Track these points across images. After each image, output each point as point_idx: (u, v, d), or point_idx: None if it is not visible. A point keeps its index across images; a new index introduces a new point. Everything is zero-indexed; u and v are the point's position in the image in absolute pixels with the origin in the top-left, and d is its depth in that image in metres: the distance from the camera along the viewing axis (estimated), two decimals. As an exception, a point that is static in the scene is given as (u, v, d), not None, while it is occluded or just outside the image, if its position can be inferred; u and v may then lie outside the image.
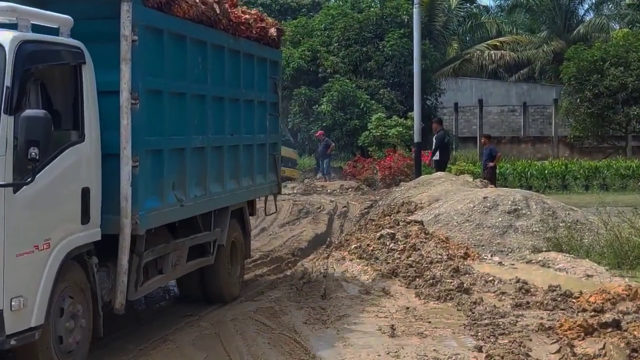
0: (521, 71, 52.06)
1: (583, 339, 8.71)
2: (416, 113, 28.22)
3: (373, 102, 35.36)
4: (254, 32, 11.69)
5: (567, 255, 14.27)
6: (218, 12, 10.11)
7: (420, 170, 25.64)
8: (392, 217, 17.86)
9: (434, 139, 25.98)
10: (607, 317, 9.09)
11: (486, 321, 9.93)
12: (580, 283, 12.42)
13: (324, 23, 39.42)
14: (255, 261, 14.68)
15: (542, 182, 29.65)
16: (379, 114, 34.27)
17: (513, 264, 14.05)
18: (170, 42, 9.07)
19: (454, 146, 42.57)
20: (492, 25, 51.79)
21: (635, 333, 8.42)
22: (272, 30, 12.43)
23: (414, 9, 28.26)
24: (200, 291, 11.35)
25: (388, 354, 8.68)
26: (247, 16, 11.50)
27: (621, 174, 29.83)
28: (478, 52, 44.81)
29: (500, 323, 9.77)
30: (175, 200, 9.21)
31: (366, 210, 22.83)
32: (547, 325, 9.29)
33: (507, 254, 14.88)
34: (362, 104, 34.78)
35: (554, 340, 8.79)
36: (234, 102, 11.27)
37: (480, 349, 8.69)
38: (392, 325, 9.73)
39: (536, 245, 15.08)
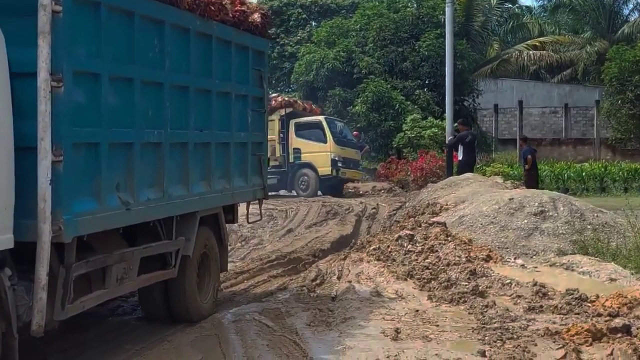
0: (564, 72, 51.27)
1: (591, 344, 8.40)
2: (448, 114, 27.97)
3: (408, 103, 35.08)
4: (230, 15, 10.25)
5: (593, 258, 13.91)
6: None
7: (451, 172, 25.31)
8: (415, 218, 17.65)
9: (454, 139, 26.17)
10: (617, 322, 8.76)
11: (495, 325, 9.65)
12: (603, 287, 12.08)
13: (359, 23, 39.23)
14: (272, 262, 14.52)
15: (579, 185, 29.21)
16: (414, 115, 34.01)
17: (536, 267, 13.74)
18: (111, 18, 7.61)
19: (492, 148, 42.11)
20: (534, 25, 51.13)
21: (645, 339, 8.08)
22: (255, 16, 10.96)
23: (447, 8, 27.95)
24: (164, 309, 9.88)
25: (387, 357, 8.43)
26: None
27: (661, 176, 29.25)
28: (517, 52, 44.17)
29: (510, 327, 9.49)
30: (119, 203, 7.82)
31: (394, 212, 22.54)
32: (553, 330, 8.99)
33: (532, 257, 14.53)
34: (397, 105, 34.51)
35: (560, 346, 8.49)
36: (204, 93, 9.81)
37: (483, 354, 8.42)
38: (397, 329, 9.50)
39: (562, 248, 14.70)
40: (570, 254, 14.38)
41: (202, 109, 9.75)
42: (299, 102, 30.41)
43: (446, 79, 27.74)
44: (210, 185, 9.97)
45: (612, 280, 12.40)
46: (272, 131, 28.38)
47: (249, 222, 12.58)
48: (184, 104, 9.28)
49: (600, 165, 31.77)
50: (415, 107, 35.18)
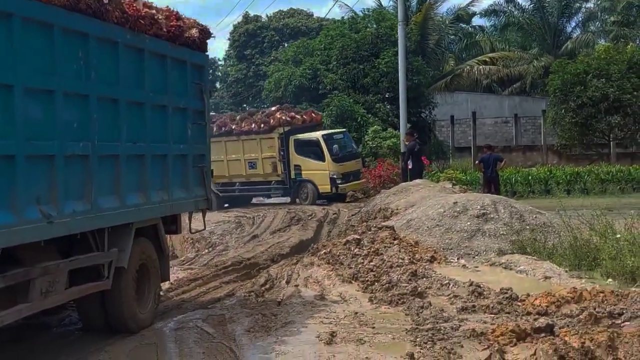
0: (514, 85, 50.97)
1: (515, 344, 7.76)
2: (402, 125, 27.61)
3: (370, 115, 34.49)
4: (165, 29, 9.56)
5: (530, 257, 13.40)
6: (105, 1, 8.15)
7: (406, 178, 24.68)
8: (367, 223, 17.02)
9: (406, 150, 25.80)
10: (541, 321, 8.12)
11: (428, 326, 9.02)
12: (537, 285, 11.57)
13: (323, 43, 38.66)
14: (227, 268, 13.82)
15: (526, 188, 28.64)
16: (375, 126, 33.41)
17: (477, 267, 13.21)
18: (26, 30, 6.94)
19: (449, 156, 41.60)
20: (486, 43, 50.83)
21: (567, 339, 7.45)
22: (194, 31, 10.23)
23: (399, 27, 27.42)
24: (102, 320, 9.14)
25: (318, 362, 7.77)
26: (153, 11, 9.38)
27: (601, 179, 28.80)
28: (468, 67, 43.82)
29: (442, 328, 8.86)
30: (40, 216, 7.10)
31: (353, 216, 21.86)
32: (479, 331, 8.33)
33: (474, 257, 13.97)
34: (360, 117, 33.90)
35: (485, 347, 7.84)
36: (137, 106, 9.04)
37: (412, 356, 7.76)
38: (333, 332, 8.85)
39: (502, 248, 14.15)
40: (510, 253, 13.84)
41: (135, 121, 8.98)
42: (297, 116, 28.80)
43: (400, 92, 27.24)
44: (147, 196, 9.22)
45: (546, 278, 11.91)
46: (272, 149, 27.72)
47: (191, 232, 11.68)
48: (114, 116, 8.55)
49: (546, 169, 31.25)
50: (376, 119, 34.61)
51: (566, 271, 12.37)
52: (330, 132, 28.90)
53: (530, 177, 29.25)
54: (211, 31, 10.80)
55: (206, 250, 18.57)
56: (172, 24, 9.74)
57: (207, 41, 10.84)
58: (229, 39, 62.97)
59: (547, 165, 36.04)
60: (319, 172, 27.17)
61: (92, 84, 8.04)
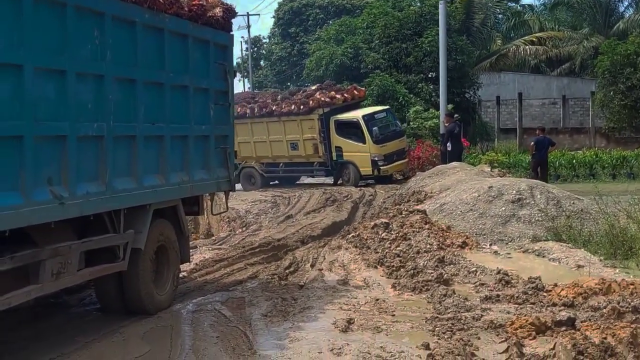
0: (562, 66, 50.05)
1: (534, 338, 7.58)
2: (442, 106, 27.23)
3: (412, 95, 34.12)
4: (186, 8, 9.42)
5: (564, 244, 13.12)
6: None
7: (445, 160, 24.39)
8: (400, 206, 16.84)
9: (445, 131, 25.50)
10: (563, 314, 7.92)
11: (449, 315, 8.87)
12: (569, 273, 11.33)
13: (366, 22, 38.30)
14: (254, 249, 13.68)
15: (570, 172, 28.12)
16: (417, 107, 33.04)
17: (509, 254, 12.98)
18: (37, 8, 6.83)
19: (494, 137, 41.12)
20: (534, 22, 50.02)
21: (588, 333, 7.24)
22: (217, 10, 10.04)
23: (440, 5, 27.03)
24: (120, 301, 9.10)
25: (331, 350, 7.69)
26: None
27: (648, 163, 28.13)
28: (514, 47, 43.15)
29: (463, 317, 8.69)
30: (51, 197, 7.04)
31: (387, 198, 21.65)
32: (497, 323, 8.14)
33: (507, 243, 13.74)
34: (401, 97, 33.55)
35: (502, 339, 7.66)
36: (156, 86, 8.91)
37: (427, 347, 7.61)
38: (351, 319, 8.74)
39: (537, 235, 13.90)
40: (544, 240, 13.58)
41: (154, 102, 8.87)
42: (338, 96, 28.12)
43: (440, 72, 26.88)
44: (166, 177, 9.13)
45: (579, 266, 11.65)
46: (313, 130, 27.40)
47: (213, 214, 11.65)
48: (132, 97, 8.43)
49: (592, 152, 30.68)
50: (418, 99, 34.23)
51: (600, 260, 12.09)
52: (371, 111, 28.28)
53: (574, 161, 28.74)
54: (236, 10, 10.63)
55: (240, 230, 18.54)
56: (194, 2, 9.59)
57: (232, 20, 10.70)
58: (273, 17, 62.84)
59: (595, 148, 35.45)
60: (359, 154, 26.78)
61: (107, 64, 7.90)
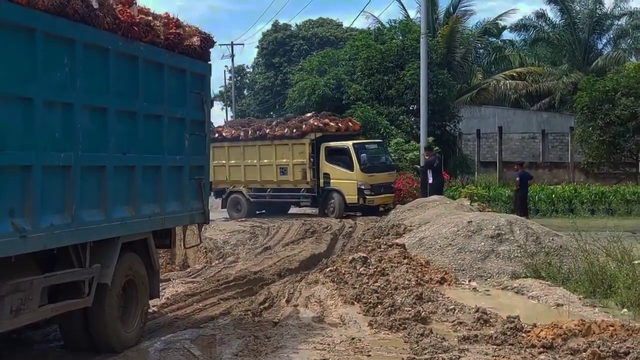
0: (542, 101, 50.27)
1: (513, 383, 7.22)
2: (422, 139, 27.10)
3: (393, 127, 33.92)
4: (162, 37, 9.12)
5: (543, 282, 12.86)
6: (95, 6, 7.69)
7: (426, 193, 24.15)
8: (378, 239, 16.52)
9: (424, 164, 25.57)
10: (542, 358, 7.58)
11: (426, 356, 8.54)
12: (549, 312, 11.06)
13: (349, 53, 38.25)
14: (229, 283, 13.29)
15: (549, 206, 27.94)
16: (398, 138, 32.84)
17: (488, 290, 12.70)
18: (3, 33, 6.60)
19: (474, 170, 41.00)
20: (515, 57, 50.22)
21: (568, 379, 6.90)
22: (194, 39, 9.75)
23: (421, 39, 26.96)
24: (85, 338, 8.66)
25: (303, 393, 7.30)
26: (150, 17, 8.92)
27: (626, 199, 28.06)
28: (495, 81, 43.27)
29: (440, 359, 8.32)
30: (12, 230, 6.67)
31: (367, 231, 21.32)
32: (475, 367, 7.79)
33: (486, 279, 13.46)
34: (383, 129, 33.33)
35: (481, 384, 7.32)
36: (128, 115, 8.61)
37: (403, 391, 7.24)
38: (325, 360, 8.36)
39: (516, 271, 13.63)
40: (524, 277, 13.30)
41: (126, 131, 8.56)
42: (331, 124, 28.00)
43: (421, 105, 26.73)
44: (136, 209, 8.77)
45: (558, 305, 11.38)
46: (303, 155, 27.10)
47: (185, 248, 11.24)
48: (102, 126, 8.12)
49: (571, 187, 30.54)
50: (400, 131, 34.04)
51: (580, 298, 11.82)
52: (363, 141, 28.14)
53: (554, 195, 28.58)
54: (214, 39, 10.33)
55: (217, 261, 18.17)
56: (170, 31, 9.29)
57: (210, 50, 10.39)
58: (257, 47, 62.81)
59: (574, 183, 35.37)
60: (346, 182, 26.37)
61: (77, 92, 7.62)
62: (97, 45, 7.97)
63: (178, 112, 9.73)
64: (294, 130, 27.25)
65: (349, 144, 26.72)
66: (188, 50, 9.79)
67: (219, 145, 29.02)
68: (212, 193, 31.17)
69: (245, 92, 71.23)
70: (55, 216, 7.33)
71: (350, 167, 26.34)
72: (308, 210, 29.02)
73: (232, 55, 69.72)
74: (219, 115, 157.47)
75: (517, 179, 24.32)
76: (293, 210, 29.96)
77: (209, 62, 10.48)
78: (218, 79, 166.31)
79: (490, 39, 50.22)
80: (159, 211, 9.30)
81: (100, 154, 8.10)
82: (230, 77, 71.72)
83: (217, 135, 29.41)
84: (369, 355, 8.77)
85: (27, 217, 6.91)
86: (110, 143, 8.22)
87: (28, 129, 6.94)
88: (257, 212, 29.28)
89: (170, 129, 9.52)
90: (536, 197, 28.12)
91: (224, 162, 29.18)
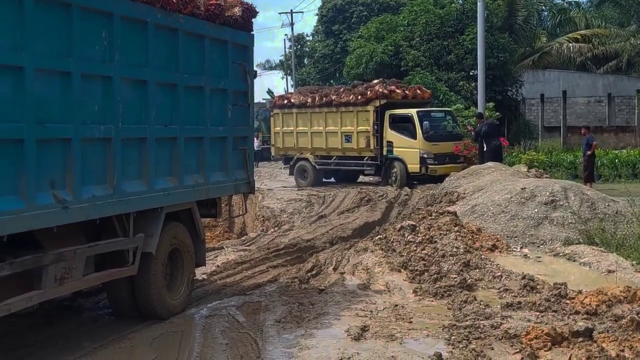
0: (609, 64, 49.04)
1: (550, 349, 7.25)
2: (480, 104, 26.80)
3: (452, 93, 33.63)
4: (202, 8, 9.13)
5: (596, 248, 12.70)
6: None
7: (483, 159, 23.92)
8: (430, 207, 16.52)
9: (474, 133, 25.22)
10: (580, 325, 7.58)
11: (467, 323, 8.57)
12: (599, 278, 10.95)
13: (407, 19, 37.88)
14: (279, 251, 13.46)
15: (612, 171, 27.45)
16: (458, 105, 32.53)
17: (539, 257, 12.63)
18: (37, 9, 6.62)
19: (537, 135, 40.47)
20: (580, 19, 49.09)
21: (604, 345, 6.91)
22: (236, 10, 9.72)
23: (479, 3, 26.53)
24: (132, 306, 8.89)
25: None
26: None
27: (693, 163, 27.36)
28: (557, 44, 42.38)
29: (481, 326, 8.38)
30: (54, 201, 6.84)
31: (421, 199, 21.28)
32: (512, 333, 7.81)
33: (538, 246, 13.38)
34: (442, 95, 33.10)
35: (516, 350, 7.36)
36: (169, 87, 8.67)
37: (439, 357, 7.33)
38: (365, 326, 8.50)
39: (570, 238, 13.51)
40: (577, 243, 13.16)
41: (167, 104, 8.64)
42: (397, 91, 27.21)
43: (478, 71, 26.42)
44: (179, 180, 8.87)
45: (610, 271, 11.23)
46: (367, 122, 26.97)
47: (231, 217, 11.40)
48: (142, 99, 8.18)
49: (636, 152, 29.90)
50: (459, 97, 33.73)
51: (632, 265, 11.67)
52: (429, 109, 27.70)
53: (617, 160, 28.07)
54: (256, 9, 10.40)
55: (272, 230, 18.36)
56: (211, 2, 9.33)
57: (252, 20, 10.46)
58: (317, 14, 62.60)
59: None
60: (409, 150, 25.96)
61: (115, 65, 7.64)
62: (135, 18, 8.01)
63: (220, 83, 9.76)
64: (359, 97, 27.03)
65: (412, 111, 26.25)
66: (229, 20, 9.80)
67: (288, 112, 29.19)
68: (282, 160, 31.65)
69: (305, 60, 71.14)
70: (96, 187, 7.46)
71: (413, 135, 25.89)
72: (376, 179, 28.89)
73: (292, 24, 69.78)
74: (280, 84, 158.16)
75: (595, 142, 24.38)
76: (363, 179, 29.95)
77: (252, 32, 10.51)
78: (278, 48, 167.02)
79: (554, 0, 49.21)
80: (202, 181, 9.41)
81: (141, 126, 8.18)
82: (290, 46, 71.72)
83: (286, 101, 29.55)
84: (411, 322, 8.85)
85: (68, 189, 7.04)
86: (151, 115, 8.29)
87: (67, 102, 7.05)
88: (325, 180, 29.39)
89: (213, 100, 9.57)
90: (599, 162, 27.65)
91: (292, 129, 29.35)
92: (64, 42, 7.05)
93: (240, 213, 11.97)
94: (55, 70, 6.98)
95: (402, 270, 11.50)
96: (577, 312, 8.75)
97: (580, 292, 9.48)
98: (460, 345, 7.73)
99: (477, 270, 11.21)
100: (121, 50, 7.77)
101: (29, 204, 6.56)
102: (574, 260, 12.22)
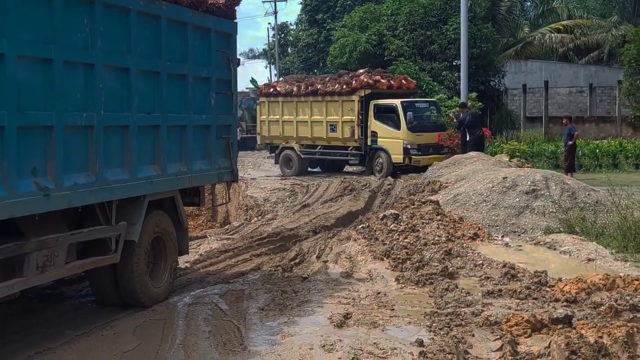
0: (591, 54, 49.31)
1: (530, 335, 7.33)
2: (462, 94, 26.86)
3: (435, 83, 33.67)
4: None
5: (576, 237, 12.82)
6: None
7: (466, 149, 24.00)
8: (412, 196, 16.58)
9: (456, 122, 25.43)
10: (560, 312, 7.65)
11: (449, 310, 8.65)
12: (579, 267, 11.04)
13: (390, 9, 37.82)
14: (262, 240, 13.47)
15: (593, 161, 27.62)
16: (441, 95, 32.57)
17: (520, 246, 12.73)
18: None
19: (519, 125, 40.63)
20: (563, 10, 49.34)
21: (583, 332, 6.98)
22: None
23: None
24: (114, 294, 8.88)
25: (323, 347, 7.48)
26: None
27: (673, 154, 27.57)
28: (540, 35, 42.52)
29: (462, 313, 8.47)
30: (35, 189, 6.80)
31: (403, 189, 21.32)
32: (493, 320, 7.88)
33: (519, 235, 13.48)
34: (425, 85, 33.11)
35: (497, 337, 7.42)
36: (151, 75, 8.60)
37: (421, 343, 7.39)
38: (348, 314, 8.55)
39: (550, 226, 13.63)
40: (557, 232, 13.26)
41: (150, 91, 8.60)
42: (382, 81, 27.09)
43: (461, 61, 26.45)
44: (162, 168, 8.83)
45: (589, 260, 11.36)
46: (352, 112, 26.87)
47: (214, 205, 11.40)
48: (125, 86, 8.15)
49: (616, 142, 30.14)
50: (442, 87, 33.78)
51: (612, 253, 11.80)
52: (413, 99, 27.73)
53: (598, 150, 28.24)
54: (239, -4, 10.37)
55: (255, 219, 18.37)
56: (193, -11, 9.29)
57: (236, 8, 10.45)
58: (300, 3, 62.49)
59: (620, 138, 34.88)
60: (392, 140, 25.90)
61: (97, 52, 7.59)
62: (117, 5, 7.98)
63: (203, 72, 9.72)
64: (344, 87, 26.97)
65: (397, 101, 26.21)
66: (212, 8, 9.75)
67: (274, 100, 29.11)
68: (268, 149, 31.58)
69: (289, 49, 71.06)
70: (79, 175, 7.43)
71: (397, 125, 25.84)
72: (361, 168, 28.90)
73: (275, 12, 69.70)
74: (263, 73, 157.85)
75: (576, 132, 24.47)
76: (348, 169, 29.98)
77: (235, 20, 10.48)
78: (261, 37, 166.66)
79: (537, -10, 49.33)
80: (185, 170, 9.38)
81: (123, 113, 8.14)
82: (274, 35, 71.62)
83: (272, 90, 29.44)
84: (393, 309, 8.90)
85: (50, 177, 7.02)
86: (133, 103, 8.25)
87: (48, 89, 7.00)
88: (311, 169, 29.43)
89: (195, 88, 9.52)
90: (579, 152, 27.81)
91: (277, 117, 29.30)
92: (46, 28, 7.02)
93: (224, 202, 11.91)
94: (37, 57, 6.94)
95: (385, 258, 11.54)
96: (557, 300, 8.84)
97: (560, 280, 9.58)
98: (442, 332, 7.80)
99: (458, 258, 11.28)
100: (103, 37, 7.73)
101: (11, 191, 6.54)
102: (555, 249, 12.34)
